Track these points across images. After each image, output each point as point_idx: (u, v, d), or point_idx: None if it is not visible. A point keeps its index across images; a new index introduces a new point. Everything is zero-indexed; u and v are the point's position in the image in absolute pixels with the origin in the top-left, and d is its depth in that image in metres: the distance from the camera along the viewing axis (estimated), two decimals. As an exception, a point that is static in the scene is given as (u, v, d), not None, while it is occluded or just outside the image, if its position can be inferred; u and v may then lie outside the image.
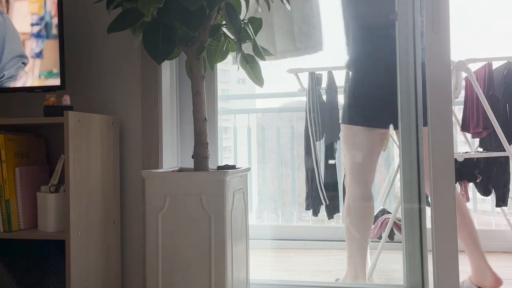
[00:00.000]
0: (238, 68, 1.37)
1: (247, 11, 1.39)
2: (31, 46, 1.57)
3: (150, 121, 1.67)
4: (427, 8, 1.56)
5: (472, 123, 2.59)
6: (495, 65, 2.57)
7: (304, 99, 2.73)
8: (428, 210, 1.67)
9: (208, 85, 1.70)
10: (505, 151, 2.35)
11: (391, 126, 1.99)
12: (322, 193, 2.69)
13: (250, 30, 1.36)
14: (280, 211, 3.25)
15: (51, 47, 1.55)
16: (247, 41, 1.38)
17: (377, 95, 1.94)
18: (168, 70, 1.74)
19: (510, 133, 2.46)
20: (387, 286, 1.93)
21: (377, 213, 2.51)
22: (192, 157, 1.37)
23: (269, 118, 3.42)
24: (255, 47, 1.37)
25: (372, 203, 2.03)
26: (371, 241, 2.54)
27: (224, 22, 1.38)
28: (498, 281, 1.88)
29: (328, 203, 2.72)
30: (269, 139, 3.37)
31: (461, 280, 1.87)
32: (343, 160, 2.44)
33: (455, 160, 2.41)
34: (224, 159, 3.42)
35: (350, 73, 2.11)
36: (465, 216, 1.91)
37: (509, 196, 2.58)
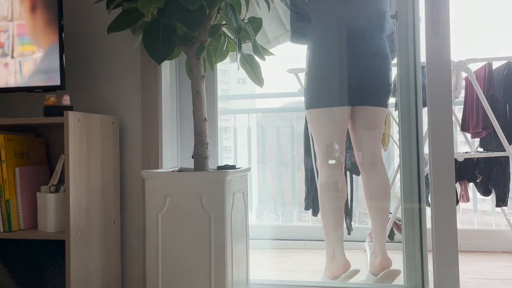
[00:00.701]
0: (238, 68, 1.37)
1: (247, 11, 1.39)
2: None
3: (150, 121, 1.67)
4: (427, 8, 1.56)
5: (472, 123, 2.59)
6: (495, 65, 2.57)
7: (304, 99, 2.73)
8: (428, 210, 1.67)
9: (208, 85, 1.70)
10: (505, 151, 2.35)
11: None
12: (322, 193, 2.68)
13: (250, 30, 1.36)
14: (280, 211, 3.25)
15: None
16: (247, 41, 1.38)
17: (332, 75, 1.96)
18: (168, 70, 1.74)
19: (510, 133, 2.46)
20: (387, 286, 1.93)
21: (377, 213, 2.51)
22: (192, 157, 1.37)
23: (269, 118, 3.41)
24: (255, 47, 1.37)
25: (343, 192, 2.04)
26: (371, 241, 2.54)
27: (224, 22, 1.38)
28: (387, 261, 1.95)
29: (327, 203, 2.72)
30: (269, 139, 3.36)
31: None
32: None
33: (455, 160, 2.41)
34: (224, 159, 3.42)
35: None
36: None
37: (509, 196, 2.58)
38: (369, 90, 1.98)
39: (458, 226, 1.58)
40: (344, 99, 1.97)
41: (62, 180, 1.44)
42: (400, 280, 1.85)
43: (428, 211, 1.67)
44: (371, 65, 1.95)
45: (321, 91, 2.00)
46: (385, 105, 2.03)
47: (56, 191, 1.48)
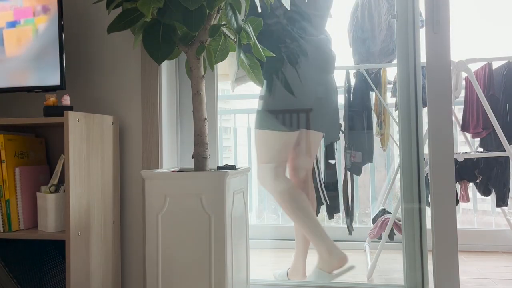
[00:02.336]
0: (238, 68, 1.37)
1: (247, 11, 1.39)
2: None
3: (150, 121, 1.67)
4: (427, 8, 1.57)
5: (472, 123, 2.60)
6: (495, 65, 2.57)
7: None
8: (428, 210, 1.67)
9: (208, 85, 1.70)
10: (505, 151, 2.35)
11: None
12: (323, 193, 2.69)
13: (250, 30, 1.36)
14: (280, 211, 3.24)
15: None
16: (247, 41, 1.38)
17: (284, 102, 2.04)
18: (168, 70, 1.74)
19: (510, 133, 2.46)
20: (387, 286, 1.93)
21: (377, 213, 2.51)
22: (192, 157, 1.37)
23: (269, 118, 3.41)
24: (255, 47, 1.37)
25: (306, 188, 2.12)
26: (371, 241, 2.54)
27: (224, 22, 1.38)
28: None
29: (328, 203, 2.72)
30: (269, 139, 3.36)
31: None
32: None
33: (455, 160, 2.41)
34: (224, 159, 3.42)
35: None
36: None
37: (509, 196, 2.58)
38: (318, 117, 2.09)
39: (458, 226, 1.58)
40: (294, 125, 2.07)
41: (62, 180, 1.44)
42: (400, 280, 1.85)
43: (428, 211, 1.67)
44: (321, 96, 2.06)
45: (273, 114, 2.06)
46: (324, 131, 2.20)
47: (56, 191, 1.48)
